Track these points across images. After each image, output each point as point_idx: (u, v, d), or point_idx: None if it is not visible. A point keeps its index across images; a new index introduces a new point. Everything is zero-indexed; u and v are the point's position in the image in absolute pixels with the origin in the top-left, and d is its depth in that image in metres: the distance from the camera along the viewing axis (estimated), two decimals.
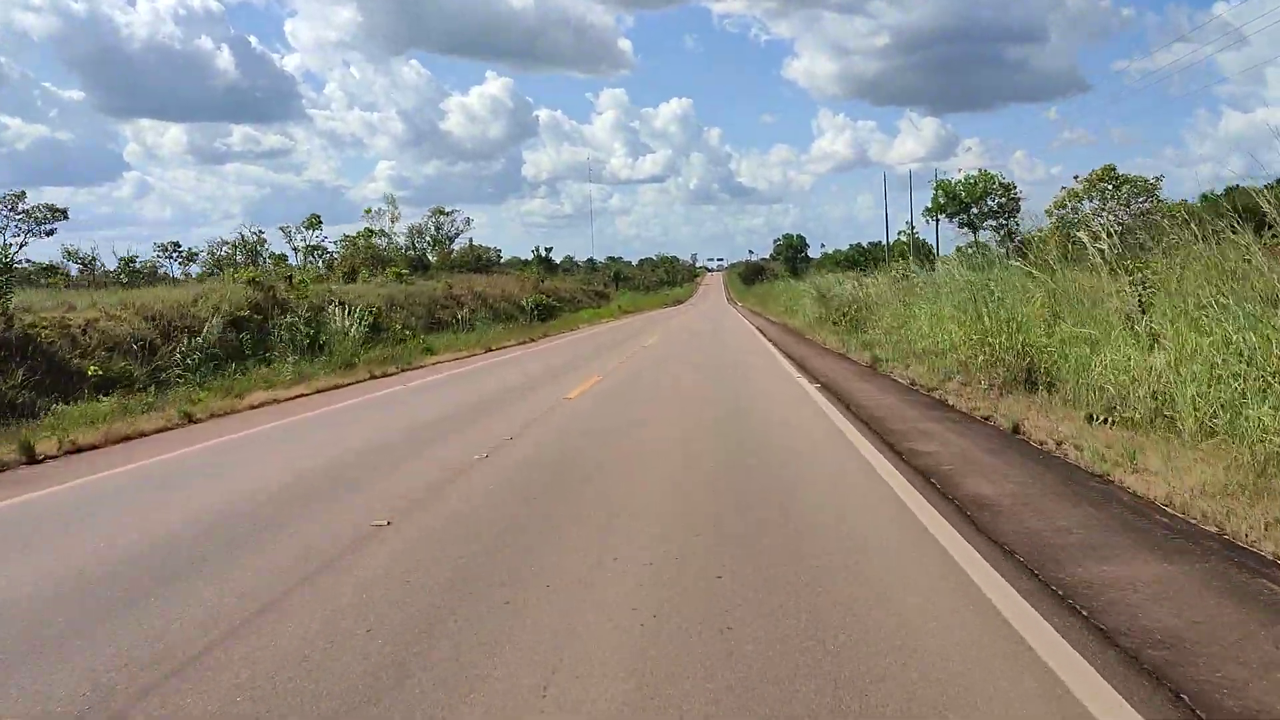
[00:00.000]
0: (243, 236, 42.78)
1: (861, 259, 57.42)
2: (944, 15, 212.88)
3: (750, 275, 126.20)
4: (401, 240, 47.35)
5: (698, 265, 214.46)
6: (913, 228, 63.89)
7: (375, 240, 43.94)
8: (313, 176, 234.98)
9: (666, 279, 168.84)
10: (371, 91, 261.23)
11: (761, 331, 30.41)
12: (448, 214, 51.16)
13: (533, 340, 30.29)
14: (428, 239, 50.44)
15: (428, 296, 33.92)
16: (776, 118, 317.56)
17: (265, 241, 42.09)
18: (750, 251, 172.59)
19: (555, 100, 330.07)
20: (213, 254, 43.76)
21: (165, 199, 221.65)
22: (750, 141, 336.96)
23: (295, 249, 43.46)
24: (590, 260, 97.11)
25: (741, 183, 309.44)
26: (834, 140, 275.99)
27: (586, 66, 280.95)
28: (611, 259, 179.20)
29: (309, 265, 40.16)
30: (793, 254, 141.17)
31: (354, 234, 45.12)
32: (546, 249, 70.46)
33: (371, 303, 25.52)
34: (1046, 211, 37.01)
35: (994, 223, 51.97)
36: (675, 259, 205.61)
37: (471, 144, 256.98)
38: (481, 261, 50.60)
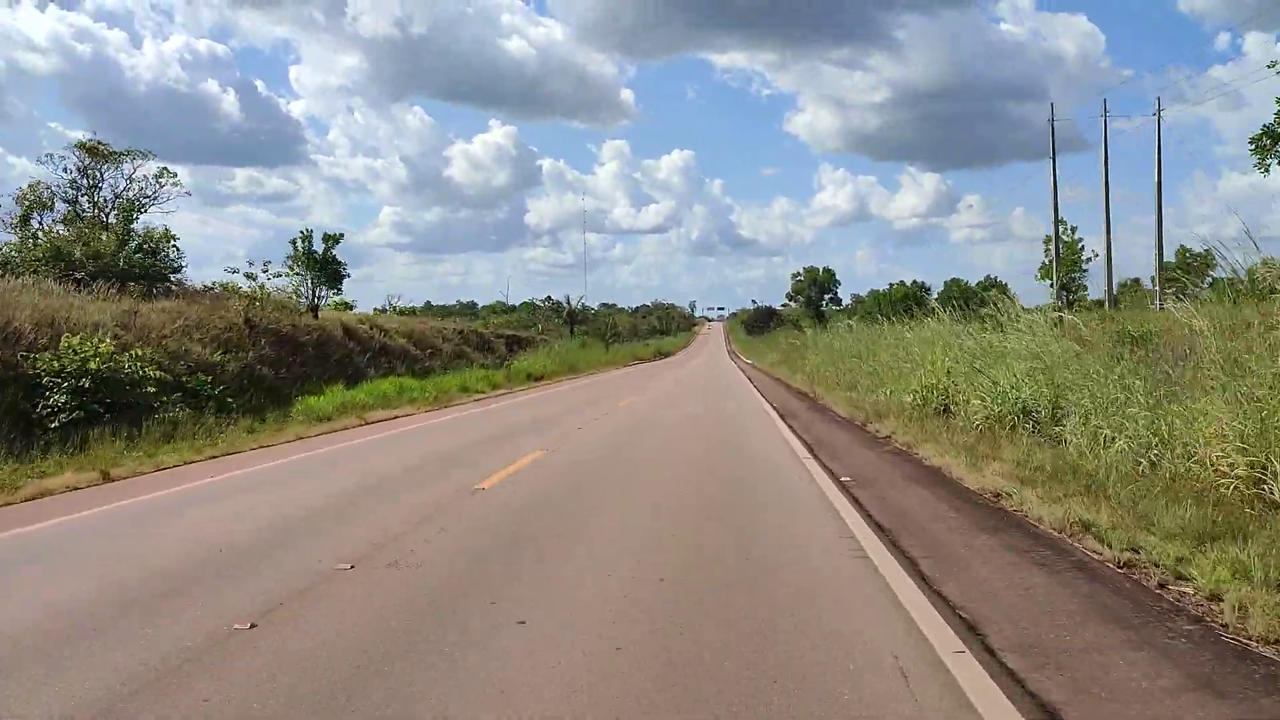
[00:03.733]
0: None
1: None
2: (943, 72, 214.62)
3: (757, 322, 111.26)
4: None
5: (696, 314, 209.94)
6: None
7: None
8: (317, 221, 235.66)
9: (659, 327, 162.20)
10: (375, 137, 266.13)
11: (808, 446, 22.07)
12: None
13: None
14: None
15: None
16: (777, 170, 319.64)
17: None
18: (753, 300, 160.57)
19: (558, 149, 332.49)
20: None
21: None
22: (751, 194, 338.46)
23: None
24: (561, 302, 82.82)
25: (742, 234, 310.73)
26: (834, 194, 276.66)
27: (588, 116, 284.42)
28: (605, 305, 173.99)
29: None
30: (817, 293, 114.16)
31: None
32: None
33: None
34: None
35: None
36: (672, 306, 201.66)
37: (474, 191, 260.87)
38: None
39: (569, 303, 72.55)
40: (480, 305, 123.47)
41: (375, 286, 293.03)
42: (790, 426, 16.57)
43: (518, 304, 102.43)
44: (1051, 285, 35.04)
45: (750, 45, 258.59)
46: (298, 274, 24.96)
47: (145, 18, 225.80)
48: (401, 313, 41.24)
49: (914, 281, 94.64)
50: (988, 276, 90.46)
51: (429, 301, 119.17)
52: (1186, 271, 28.43)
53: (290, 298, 25.40)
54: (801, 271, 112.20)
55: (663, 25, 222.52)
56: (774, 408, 20.10)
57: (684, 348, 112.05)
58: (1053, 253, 37.18)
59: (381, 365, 27.24)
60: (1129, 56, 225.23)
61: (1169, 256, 38.35)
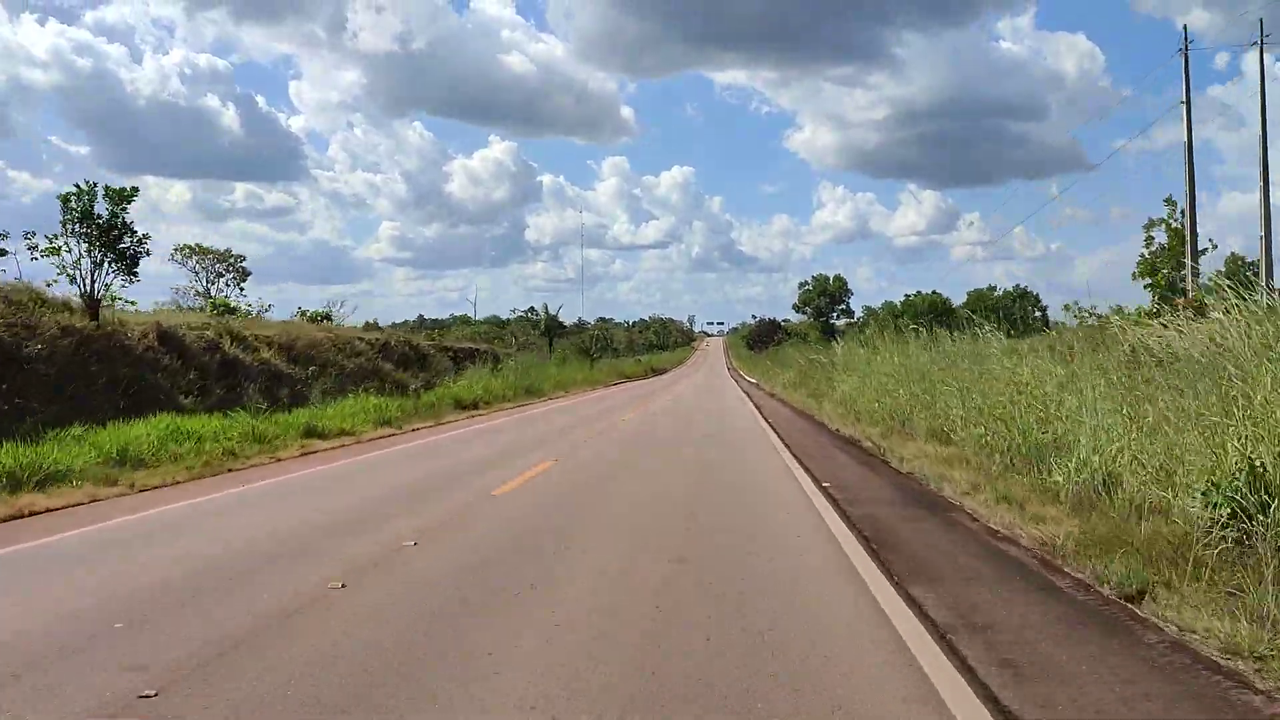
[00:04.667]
0: None
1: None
2: (943, 90, 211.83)
3: (760, 337, 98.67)
4: None
5: (696, 329, 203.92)
6: None
7: None
8: (317, 236, 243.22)
9: (656, 342, 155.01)
10: (375, 153, 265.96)
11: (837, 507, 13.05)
12: None
13: None
14: None
15: None
16: (777, 187, 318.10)
17: None
18: (753, 315, 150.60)
19: (558, 165, 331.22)
20: None
21: (169, 256, 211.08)
22: (751, 210, 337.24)
23: None
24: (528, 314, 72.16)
25: (742, 250, 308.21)
26: (834, 211, 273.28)
27: (588, 132, 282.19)
28: (601, 320, 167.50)
29: None
30: (827, 304, 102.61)
31: None
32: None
33: None
34: None
35: None
36: (670, 320, 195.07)
37: (474, 207, 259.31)
38: None
39: (546, 311, 63.40)
40: (478, 319, 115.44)
41: (376, 302, 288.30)
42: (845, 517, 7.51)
43: (510, 316, 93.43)
44: (1181, 273, 25.84)
45: (750, 63, 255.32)
46: (65, 248, 16.07)
47: (146, 32, 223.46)
48: (314, 318, 32.35)
49: (934, 292, 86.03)
50: (1016, 286, 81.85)
51: (422, 316, 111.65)
52: None
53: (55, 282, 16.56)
54: (810, 281, 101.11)
55: (663, 42, 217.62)
56: (834, 501, 11.18)
57: (680, 364, 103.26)
58: (1156, 243, 28.47)
59: (217, 391, 18.41)
60: (1129, 74, 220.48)
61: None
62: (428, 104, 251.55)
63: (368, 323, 42.17)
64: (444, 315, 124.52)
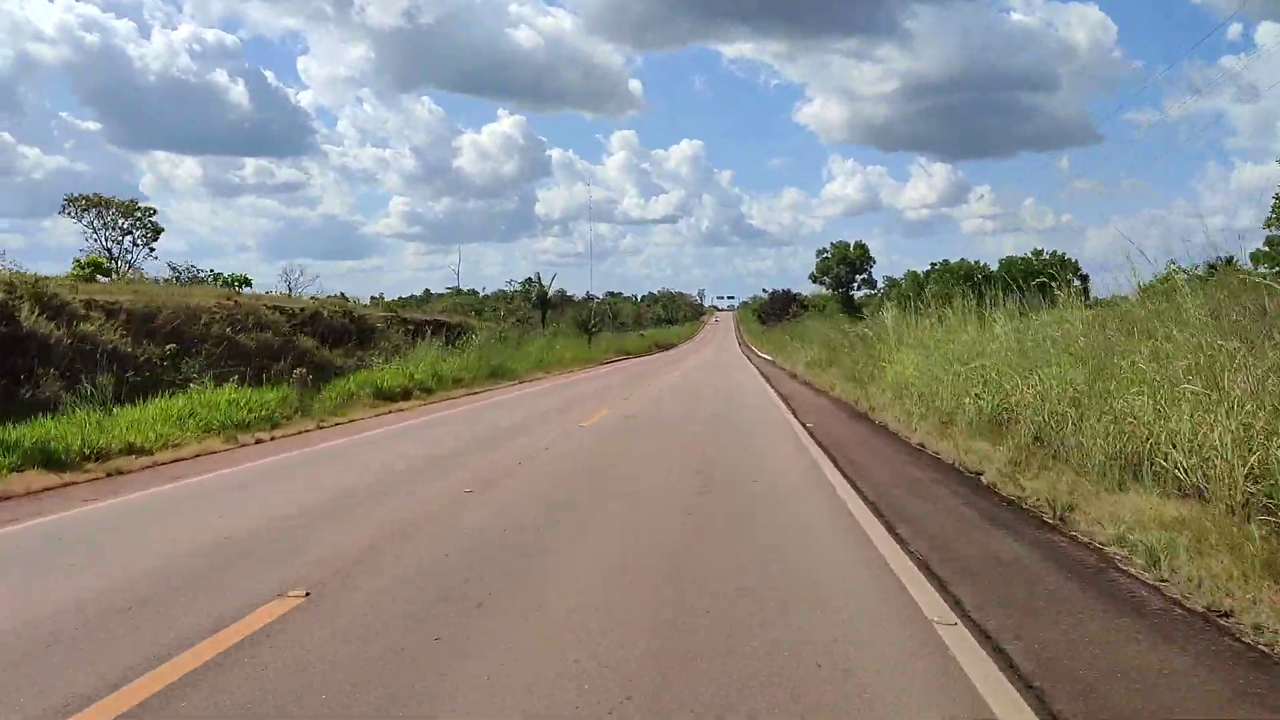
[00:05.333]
0: None
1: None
2: (953, 62, 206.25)
3: (774, 309, 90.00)
4: None
5: (706, 303, 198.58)
6: None
7: None
8: (327, 211, 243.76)
9: (665, 316, 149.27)
10: (384, 128, 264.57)
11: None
12: None
13: None
14: None
15: None
16: (786, 161, 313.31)
17: None
18: (764, 289, 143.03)
19: (567, 139, 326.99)
20: None
21: (181, 231, 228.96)
22: (760, 184, 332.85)
23: None
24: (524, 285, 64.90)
25: (752, 224, 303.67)
26: (844, 185, 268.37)
27: (596, 106, 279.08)
28: (610, 294, 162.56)
29: None
30: (847, 273, 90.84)
31: None
32: None
33: None
34: None
35: None
36: (680, 294, 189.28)
37: (483, 181, 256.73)
38: None
39: (539, 281, 56.89)
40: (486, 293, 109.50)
41: (386, 277, 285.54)
42: None
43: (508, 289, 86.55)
44: None
45: (758, 36, 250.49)
46: None
47: (154, 7, 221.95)
48: (229, 283, 26.19)
49: (960, 260, 79.25)
50: (1053, 252, 75.09)
51: (428, 290, 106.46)
52: None
53: None
54: (829, 249, 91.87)
55: (671, 15, 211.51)
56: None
57: (688, 339, 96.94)
58: None
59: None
60: (1140, 47, 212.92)
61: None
62: (436, 79, 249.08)
63: (339, 294, 35.86)
64: (483, 293, 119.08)
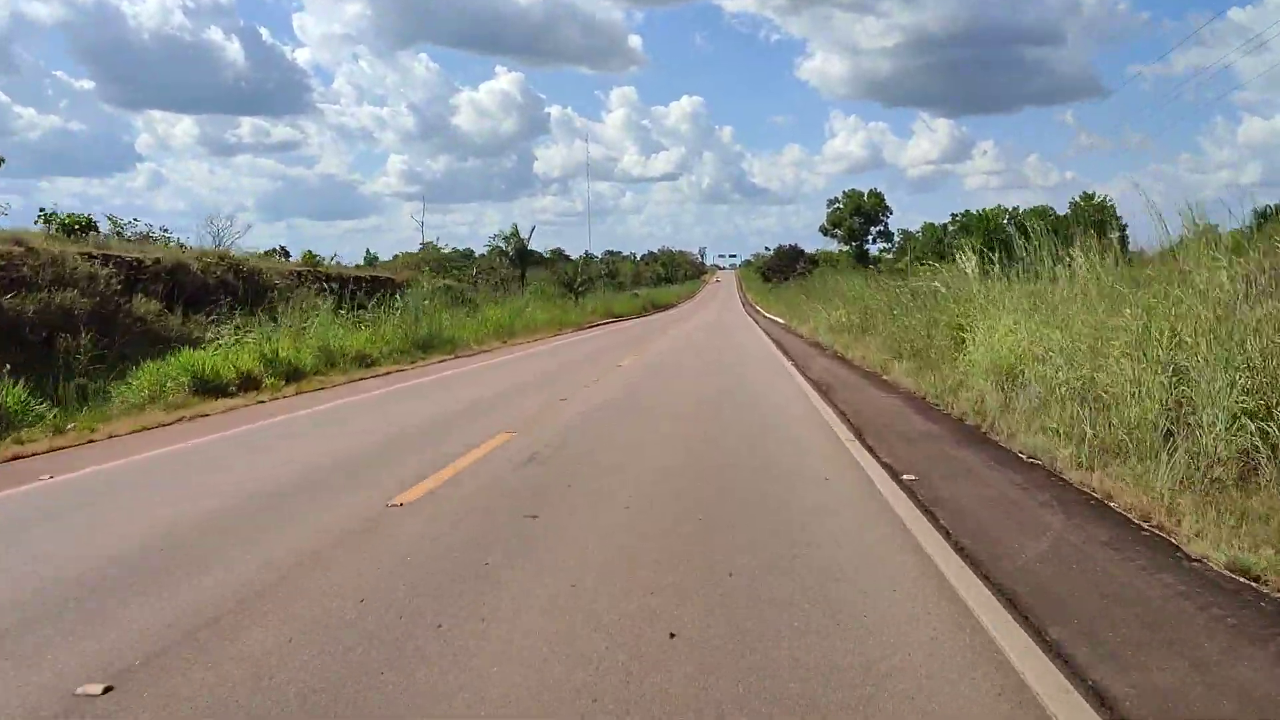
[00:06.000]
0: None
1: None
2: (956, 16, 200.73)
3: (780, 266, 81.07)
4: None
5: (707, 262, 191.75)
6: None
7: None
8: (324, 170, 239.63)
9: (664, 275, 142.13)
10: (382, 85, 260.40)
11: None
12: None
13: None
14: None
15: None
16: (788, 118, 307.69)
17: None
18: (766, 247, 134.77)
19: (566, 97, 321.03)
20: None
21: (179, 191, 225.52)
22: (762, 141, 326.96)
23: None
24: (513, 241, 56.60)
25: (754, 182, 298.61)
26: (846, 141, 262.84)
27: (596, 63, 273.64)
28: (610, 252, 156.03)
29: None
30: (861, 225, 79.12)
31: None
32: None
33: None
34: None
35: None
36: (681, 252, 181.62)
37: (482, 140, 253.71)
38: None
39: (518, 234, 49.80)
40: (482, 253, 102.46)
41: (384, 237, 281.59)
42: None
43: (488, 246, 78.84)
44: None
45: None
46: None
47: None
48: (69, 226, 19.64)
49: (1000, 207, 72.25)
50: (1096, 197, 68.08)
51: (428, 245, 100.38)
52: None
53: None
54: (840, 199, 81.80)
55: None
56: None
57: (688, 298, 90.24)
58: None
59: None
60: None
61: None
62: (433, 35, 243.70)
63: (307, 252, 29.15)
64: (448, 249, 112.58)
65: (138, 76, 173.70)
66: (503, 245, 52.37)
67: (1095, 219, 56.63)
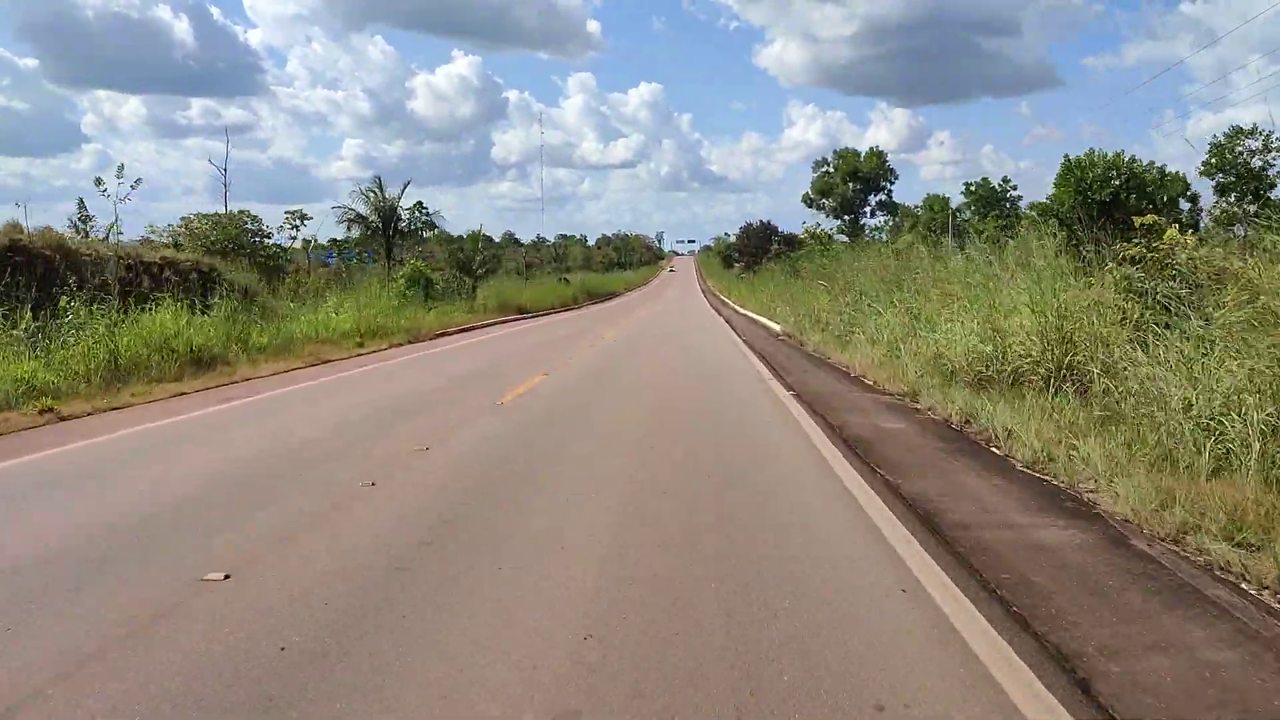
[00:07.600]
0: None
1: None
2: (915, 4, 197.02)
3: (748, 248, 62.82)
4: None
5: (665, 248, 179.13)
6: None
7: None
8: (278, 154, 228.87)
9: (617, 260, 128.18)
10: (335, 68, 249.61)
11: None
12: None
13: None
14: None
15: None
16: (747, 105, 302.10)
17: None
18: (726, 232, 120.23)
19: (524, 82, 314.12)
20: None
21: (129, 173, 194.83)
22: (721, 129, 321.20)
23: None
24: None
25: (712, 170, 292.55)
26: (805, 129, 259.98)
27: (554, 47, 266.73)
28: (565, 237, 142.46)
29: None
30: (858, 194, 63.86)
31: None
32: None
33: None
34: None
35: None
36: (635, 236, 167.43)
37: (439, 124, 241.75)
38: None
39: (380, 190, 34.24)
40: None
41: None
42: None
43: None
44: None
45: None
46: None
47: None
48: None
49: (1005, 178, 58.96)
50: (1156, 164, 55.34)
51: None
52: None
53: None
54: (829, 162, 64.74)
55: None
56: None
57: (639, 286, 75.87)
58: None
59: None
60: None
61: None
62: (388, 16, 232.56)
63: None
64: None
65: (84, 55, 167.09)
66: (361, 210, 34.40)
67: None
